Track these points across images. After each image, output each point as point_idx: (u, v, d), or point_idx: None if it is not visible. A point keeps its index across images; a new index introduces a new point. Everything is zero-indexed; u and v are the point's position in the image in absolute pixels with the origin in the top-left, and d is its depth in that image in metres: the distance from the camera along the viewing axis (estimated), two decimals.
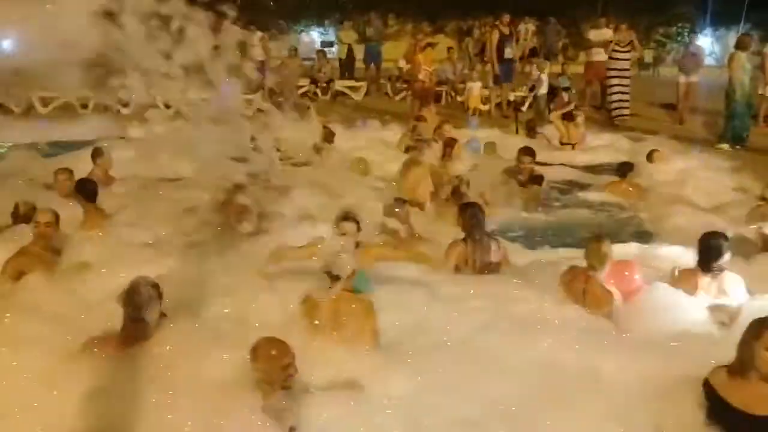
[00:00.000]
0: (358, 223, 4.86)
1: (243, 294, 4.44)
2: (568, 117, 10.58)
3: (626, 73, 12.74)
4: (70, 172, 6.60)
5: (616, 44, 12.74)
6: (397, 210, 5.52)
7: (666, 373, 3.62)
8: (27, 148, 9.12)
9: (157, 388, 3.33)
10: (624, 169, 8.05)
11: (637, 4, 21.36)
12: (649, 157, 8.46)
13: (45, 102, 13.43)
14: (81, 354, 3.58)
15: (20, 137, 10.33)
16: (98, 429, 3.21)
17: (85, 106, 13.35)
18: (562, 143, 10.39)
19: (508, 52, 13.20)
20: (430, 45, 11.63)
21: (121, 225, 5.91)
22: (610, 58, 12.87)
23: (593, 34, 13.92)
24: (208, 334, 3.82)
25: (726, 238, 4.72)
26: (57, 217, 5.03)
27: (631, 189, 7.88)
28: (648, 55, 21.29)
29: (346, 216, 4.86)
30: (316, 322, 3.90)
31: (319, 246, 4.50)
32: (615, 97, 12.74)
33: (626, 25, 13.09)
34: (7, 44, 4.10)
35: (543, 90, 13.11)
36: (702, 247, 4.66)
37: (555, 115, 10.88)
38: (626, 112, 12.70)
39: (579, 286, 4.54)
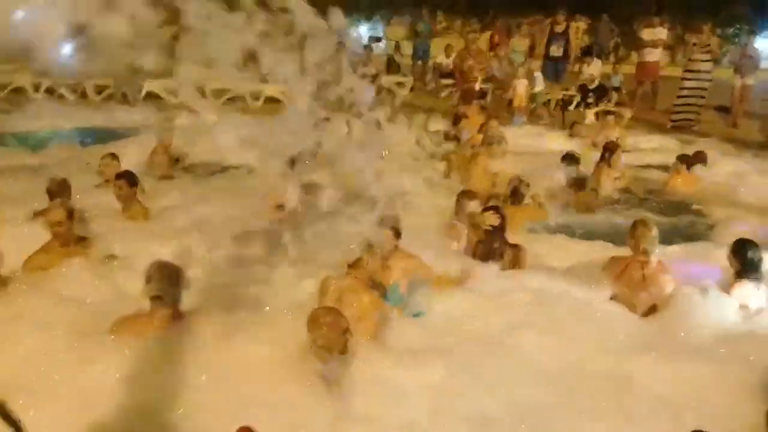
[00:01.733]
0: (398, 233, 4.56)
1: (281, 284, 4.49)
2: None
3: (704, 76, 12.13)
4: (116, 157, 6.77)
5: (694, 46, 12.37)
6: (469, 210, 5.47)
7: (710, 383, 3.53)
8: (76, 135, 9.42)
9: (196, 368, 3.40)
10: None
11: (692, 3, 20.86)
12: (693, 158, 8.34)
13: (99, 89, 13.78)
14: (112, 334, 3.67)
15: (73, 123, 10.69)
16: (133, 407, 3.26)
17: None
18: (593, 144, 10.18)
19: (554, 50, 13.02)
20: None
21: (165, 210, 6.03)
22: (689, 59, 12.51)
23: (646, 33, 13.59)
24: (243, 317, 3.89)
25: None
26: (70, 211, 4.82)
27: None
28: None
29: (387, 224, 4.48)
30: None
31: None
32: (681, 101, 12.25)
33: (708, 27, 12.66)
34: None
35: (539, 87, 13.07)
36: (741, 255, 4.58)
37: (590, 112, 10.71)
38: (692, 117, 12.19)
39: (636, 273, 4.48)
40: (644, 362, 3.79)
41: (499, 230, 5.04)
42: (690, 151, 9.21)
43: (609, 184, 7.65)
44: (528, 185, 6.62)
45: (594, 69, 13.87)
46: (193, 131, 8.43)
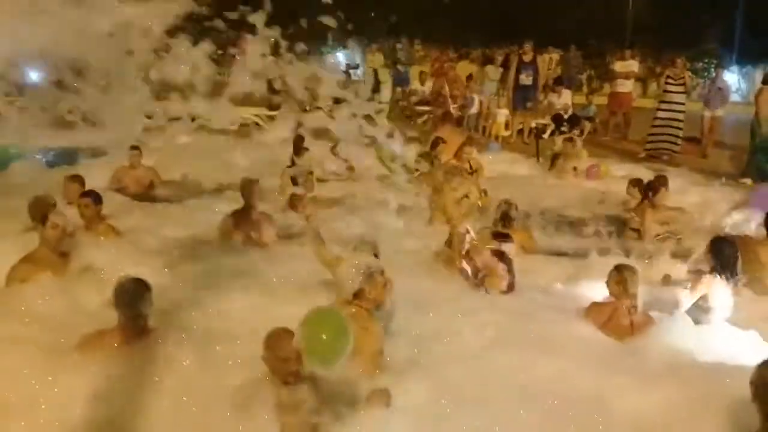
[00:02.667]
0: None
1: (251, 299, 4.47)
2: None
3: (678, 107, 12.30)
4: (78, 178, 6.65)
5: (669, 77, 12.56)
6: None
7: (682, 403, 3.54)
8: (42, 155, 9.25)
9: (161, 385, 3.34)
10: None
11: (664, 38, 21.42)
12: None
13: (70, 110, 13.61)
14: (78, 351, 3.62)
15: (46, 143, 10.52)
16: (98, 425, 3.21)
17: None
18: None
19: (523, 79, 13.26)
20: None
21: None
22: (664, 91, 12.71)
23: (619, 66, 13.99)
24: (210, 336, 3.84)
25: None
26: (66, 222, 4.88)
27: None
28: None
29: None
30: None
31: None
32: (656, 130, 12.40)
33: (682, 60, 12.91)
34: None
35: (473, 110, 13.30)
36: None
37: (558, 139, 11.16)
38: (676, 148, 12.26)
39: (624, 320, 4.37)
40: (619, 384, 3.78)
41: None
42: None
43: (653, 227, 7.04)
44: (517, 208, 6.55)
45: (565, 99, 14.13)
46: (166, 153, 8.42)
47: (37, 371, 3.48)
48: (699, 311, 4.70)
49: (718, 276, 4.71)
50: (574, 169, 10.13)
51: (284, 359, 3.20)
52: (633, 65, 14.04)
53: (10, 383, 3.41)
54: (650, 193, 7.29)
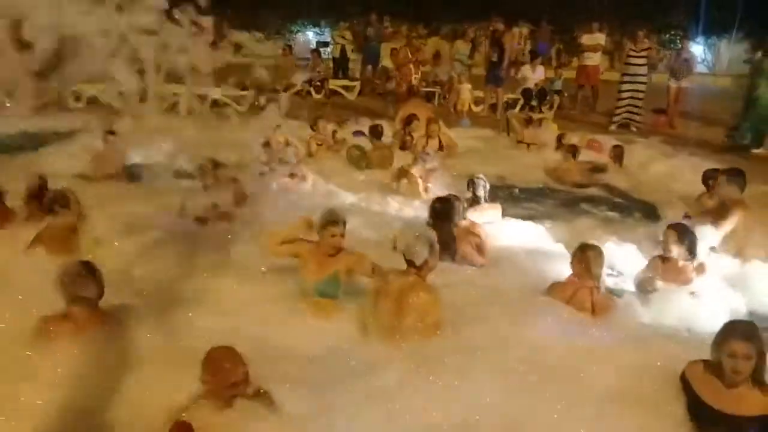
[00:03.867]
0: (344, 224, 4.53)
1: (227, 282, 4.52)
2: (528, 120, 10.85)
3: (640, 79, 12.65)
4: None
5: (631, 50, 12.73)
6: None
7: (646, 366, 3.67)
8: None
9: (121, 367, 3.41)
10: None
11: (630, 11, 21.53)
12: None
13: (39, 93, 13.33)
14: (36, 335, 3.62)
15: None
16: (60, 410, 3.24)
17: (77, 99, 13.33)
18: (518, 141, 10.58)
19: (492, 56, 13.36)
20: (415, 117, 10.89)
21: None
22: (625, 63, 12.93)
23: (586, 38, 14.09)
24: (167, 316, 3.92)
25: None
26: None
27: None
28: None
29: (335, 219, 4.47)
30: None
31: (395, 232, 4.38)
32: (621, 102, 12.73)
33: (644, 33, 13.08)
34: None
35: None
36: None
37: (512, 114, 11.59)
38: (637, 118, 12.66)
39: (586, 300, 4.32)
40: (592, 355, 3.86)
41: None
42: (629, 150, 9.60)
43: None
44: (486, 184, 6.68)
45: (539, 74, 14.21)
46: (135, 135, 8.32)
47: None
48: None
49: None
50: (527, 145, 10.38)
51: (230, 383, 2.96)
52: (600, 38, 14.15)
53: None
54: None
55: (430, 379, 3.56)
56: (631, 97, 12.67)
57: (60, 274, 3.65)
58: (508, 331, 4.02)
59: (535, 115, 11.17)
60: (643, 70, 12.70)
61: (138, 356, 3.58)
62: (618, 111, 12.80)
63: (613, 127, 12.46)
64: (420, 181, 7.41)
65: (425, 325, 3.88)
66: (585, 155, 9.67)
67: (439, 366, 3.65)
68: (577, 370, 3.68)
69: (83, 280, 3.65)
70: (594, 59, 14.11)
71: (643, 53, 12.68)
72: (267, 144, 7.78)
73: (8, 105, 12.79)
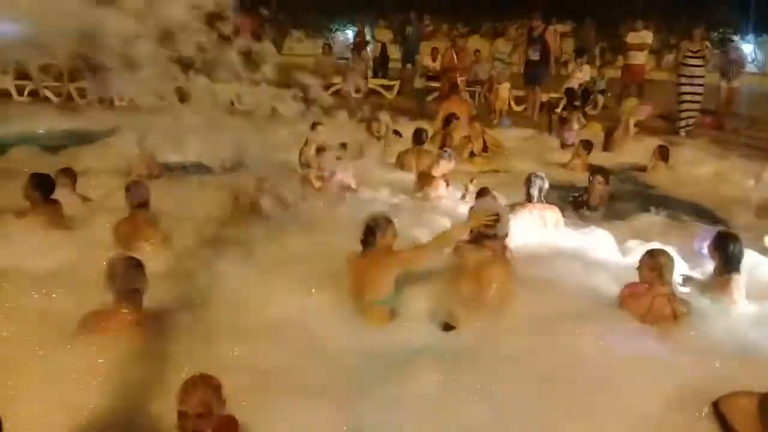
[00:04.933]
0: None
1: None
2: (563, 120, 10.63)
3: (697, 81, 11.98)
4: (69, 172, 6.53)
5: (688, 50, 12.10)
6: None
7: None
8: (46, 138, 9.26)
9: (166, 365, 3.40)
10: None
11: (677, 8, 21.01)
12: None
13: (81, 92, 13.62)
14: (79, 333, 3.62)
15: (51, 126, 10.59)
16: (105, 407, 3.23)
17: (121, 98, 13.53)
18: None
19: (531, 54, 13.07)
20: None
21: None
22: (681, 64, 12.24)
23: (631, 37, 13.74)
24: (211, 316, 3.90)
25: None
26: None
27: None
28: None
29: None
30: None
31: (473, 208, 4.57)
32: (684, 106, 12.06)
33: (700, 32, 12.45)
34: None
35: None
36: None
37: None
38: (692, 121, 12.09)
39: (666, 310, 4.09)
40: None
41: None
42: (676, 152, 9.35)
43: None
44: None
45: (585, 73, 13.95)
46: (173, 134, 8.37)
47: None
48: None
49: (734, 273, 4.51)
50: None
51: (184, 414, 2.74)
52: (646, 36, 13.78)
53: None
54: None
55: (466, 383, 3.52)
56: (691, 101, 12.02)
57: (110, 266, 3.65)
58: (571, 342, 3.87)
59: (571, 116, 10.92)
60: (701, 71, 12.03)
61: (179, 357, 3.55)
62: (683, 116, 12.08)
63: (683, 134, 11.88)
64: (444, 184, 7.05)
65: (501, 295, 4.12)
66: (627, 152, 9.53)
67: (478, 372, 3.60)
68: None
69: (134, 273, 3.66)
70: (639, 58, 13.74)
71: (700, 53, 12.04)
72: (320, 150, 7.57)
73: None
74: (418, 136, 8.58)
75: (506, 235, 4.42)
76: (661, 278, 4.13)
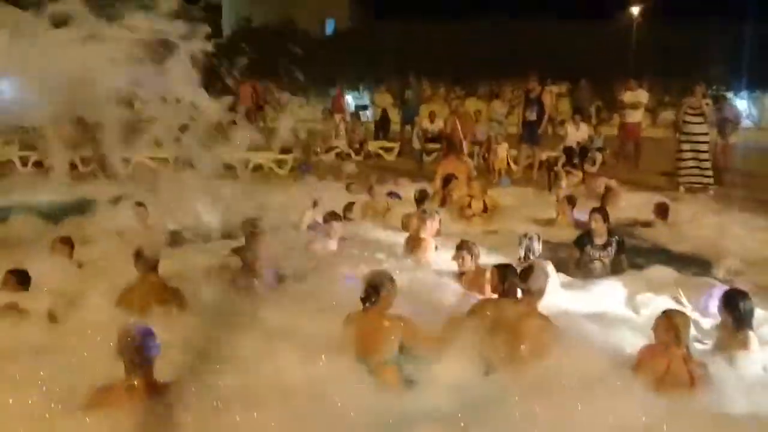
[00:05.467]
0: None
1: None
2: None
3: (701, 138, 11.83)
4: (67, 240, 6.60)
5: (689, 108, 12.02)
6: None
7: None
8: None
9: None
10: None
11: (671, 65, 21.46)
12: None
13: (85, 162, 13.81)
14: (87, 407, 3.56)
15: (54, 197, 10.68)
16: None
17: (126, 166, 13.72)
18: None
19: (528, 115, 13.27)
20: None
21: None
22: (683, 121, 12.07)
23: (627, 96, 13.98)
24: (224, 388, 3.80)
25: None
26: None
27: None
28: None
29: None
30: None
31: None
32: (682, 164, 11.93)
33: (701, 88, 12.38)
34: None
35: None
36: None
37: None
38: (706, 180, 11.81)
39: (682, 372, 3.96)
40: None
41: None
42: (676, 207, 9.37)
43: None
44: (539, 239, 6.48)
45: (582, 132, 14.14)
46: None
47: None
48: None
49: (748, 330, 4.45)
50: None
51: None
52: (641, 95, 14.05)
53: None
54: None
55: None
56: (694, 158, 11.85)
57: (121, 336, 3.57)
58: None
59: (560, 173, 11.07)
60: (703, 128, 11.92)
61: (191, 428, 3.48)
62: (682, 173, 11.97)
63: (682, 189, 11.82)
64: (432, 244, 6.82)
65: (539, 349, 4.13)
66: (626, 210, 9.55)
67: None
68: None
69: (145, 343, 3.57)
70: (635, 116, 13.99)
71: (700, 110, 11.97)
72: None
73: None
74: (421, 199, 8.56)
75: (540, 291, 4.47)
76: (677, 339, 4.02)
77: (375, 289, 4.36)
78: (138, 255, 5.26)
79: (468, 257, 5.84)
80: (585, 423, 3.62)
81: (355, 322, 4.40)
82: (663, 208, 9.14)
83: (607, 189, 9.99)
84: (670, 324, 4.04)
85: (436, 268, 6.37)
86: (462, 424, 3.68)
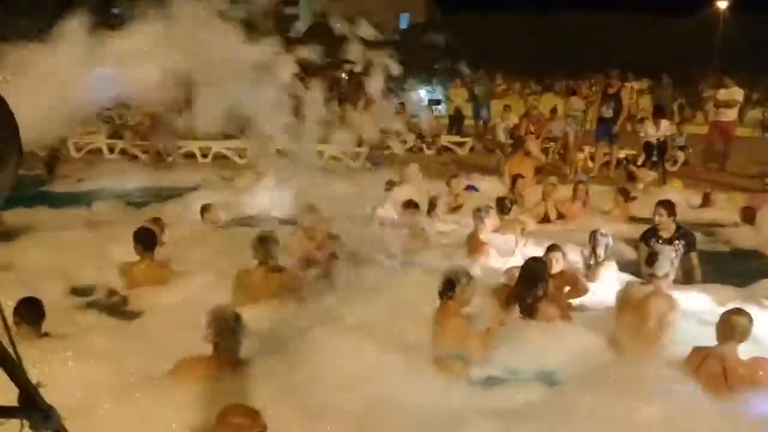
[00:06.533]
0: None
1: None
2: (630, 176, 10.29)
3: None
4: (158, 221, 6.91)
5: None
6: None
7: None
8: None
9: None
10: None
11: (758, 60, 20.39)
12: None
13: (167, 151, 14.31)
14: (172, 376, 3.72)
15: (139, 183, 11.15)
16: None
17: (205, 156, 14.17)
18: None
19: (604, 111, 12.87)
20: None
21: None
22: None
23: (722, 94, 13.34)
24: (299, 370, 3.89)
25: None
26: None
27: None
28: None
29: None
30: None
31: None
32: None
33: None
34: None
35: None
36: None
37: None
38: None
39: (715, 368, 3.89)
40: None
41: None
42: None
43: None
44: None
45: (663, 130, 13.64)
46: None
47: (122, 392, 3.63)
48: None
49: None
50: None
51: None
52: (736, 93, 13.35)
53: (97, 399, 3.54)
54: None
55: None
56: None
57: (213, 318, 3.74)
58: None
59: (639, 172, 10.72)
60: None
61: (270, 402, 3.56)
62: None
63: None
64: (491, 249, 6.50)
65: (663, 328, 4.36)
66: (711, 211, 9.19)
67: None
68: None
69: (234, 327, 3.76)
70: (728, 115, 13.31)
71: None
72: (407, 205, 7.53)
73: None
74: (502, 204, 7.84)
75: (666, 275, 4.73)
76: (731, 339, 3.92)
77: (450, 284, 4.38)
78: (262, 241, 5.32)
79: (561, 259, 5.57)
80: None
81: (434, 315, 4.45)
82: (750, 212, 8.72)
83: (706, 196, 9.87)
84: (726, 320, 3.98)
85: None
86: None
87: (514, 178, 9.90)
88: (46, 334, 4.17)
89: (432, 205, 8.24)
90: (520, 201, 9.39)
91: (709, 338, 4.13)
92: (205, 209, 7.82)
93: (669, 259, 4.77)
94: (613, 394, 3.80)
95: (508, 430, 3.57)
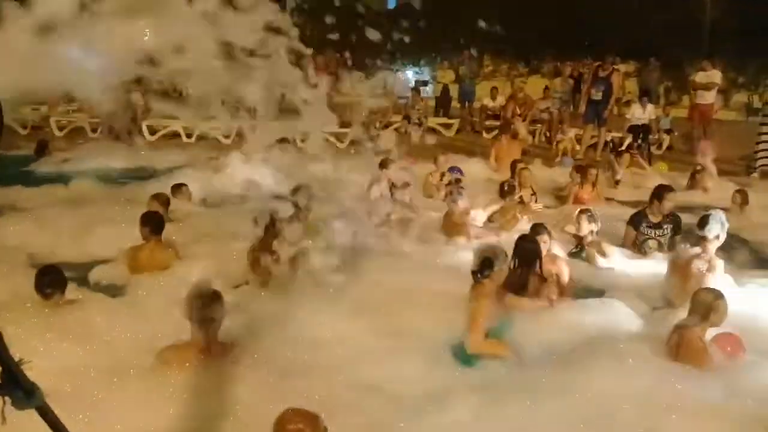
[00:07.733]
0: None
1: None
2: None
3: None
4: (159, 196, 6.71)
5: None
6: None
7: None
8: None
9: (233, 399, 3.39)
10: None
11: (745, 44, 20.45)
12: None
13: (152, 130, 14.17)
14: (157, 364, 3.67)
15: (123, 163, 11.00)
16: None
17: (189, 136, 14.03)
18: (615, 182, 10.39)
19: (594, 94, 12.88)
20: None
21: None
22: (765, 103, 12.01)
23: (700, 77, 13.41)
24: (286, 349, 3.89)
25: None
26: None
27: None
28: (757, 100, 20.27)
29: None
30: None
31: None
32: (761, 146, 11.77)
33: None
34: None
35: None
36: None
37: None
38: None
39: (690, 343, 3.95)
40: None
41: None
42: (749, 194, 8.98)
43: None
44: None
45: (648, 113, 13.70)
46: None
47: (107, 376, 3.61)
48: None
49: None
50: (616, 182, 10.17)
51: None
52: (715, 76, 13.44)
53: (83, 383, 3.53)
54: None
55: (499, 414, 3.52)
56: None
57: (193, 295, 3.66)
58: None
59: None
60: None
61: (248, 390, 3.54)
62: (758, 156, 11.73)
63: (755, 175, 11.50)
64: (469, 230, 6.67)
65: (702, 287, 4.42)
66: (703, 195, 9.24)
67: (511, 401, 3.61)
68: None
69: (212, 304, 3.66)
70: (707, 98, 13.42)
71: None
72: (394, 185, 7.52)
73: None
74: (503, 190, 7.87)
75: (717, 237, 5.04)
76: (706, 319, 3.96)
77: (489, 263, 4.19)
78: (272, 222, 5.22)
79: (548, 241, 5.50)
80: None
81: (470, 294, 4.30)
82: (743, 196, 8.70)
83: (699, 169, 9.90)
84: (700, 300, 4.03)
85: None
86: None
87: (514, 164, 9.83)
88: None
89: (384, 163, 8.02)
90: (523, 183, 9.29)
91: None
92: (176, 189, 7.64)
93: (719, 221, 5.01)
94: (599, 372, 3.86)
95: (490, 407, 3.60)
